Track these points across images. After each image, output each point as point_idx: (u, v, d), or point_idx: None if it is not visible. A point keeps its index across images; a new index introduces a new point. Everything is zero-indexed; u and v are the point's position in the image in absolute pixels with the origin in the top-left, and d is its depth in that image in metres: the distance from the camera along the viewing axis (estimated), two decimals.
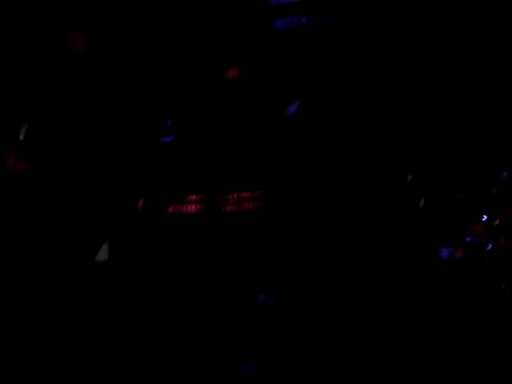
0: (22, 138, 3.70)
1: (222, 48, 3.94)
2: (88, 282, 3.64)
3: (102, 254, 3.67)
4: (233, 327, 3.63)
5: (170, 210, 3.79)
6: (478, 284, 3.72)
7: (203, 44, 3.95)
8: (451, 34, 3.86)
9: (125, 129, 3.86)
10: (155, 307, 3.65)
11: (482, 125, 3.81)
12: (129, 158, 3.88)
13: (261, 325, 3.62)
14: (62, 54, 3.84)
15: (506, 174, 3.74)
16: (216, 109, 3.93)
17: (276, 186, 3.89)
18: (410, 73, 3.89)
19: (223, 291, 3.70)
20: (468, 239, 3.78)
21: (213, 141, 3.91)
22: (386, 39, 3.91)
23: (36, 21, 3.91)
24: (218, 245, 3.79)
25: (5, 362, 3.42)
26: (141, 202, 3.78)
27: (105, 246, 3.69)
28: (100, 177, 3.79)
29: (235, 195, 3.80)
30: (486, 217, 3.76)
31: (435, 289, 3.74)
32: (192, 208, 3.80)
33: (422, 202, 3.88)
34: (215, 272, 3.73)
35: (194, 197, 3.81)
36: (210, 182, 3.88)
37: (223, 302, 3.68)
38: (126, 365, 3.49)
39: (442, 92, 3.86)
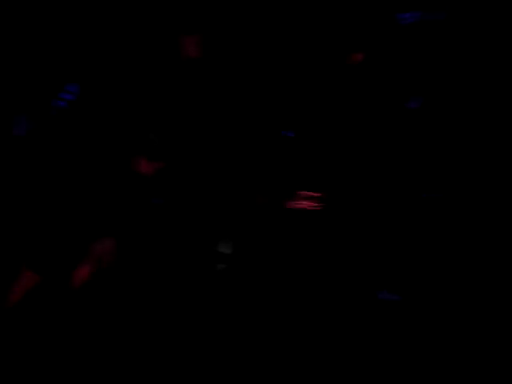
0: (151, 140, 3.76)
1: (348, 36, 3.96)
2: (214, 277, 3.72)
3: (225, 248, 3.75)
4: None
5: (286, 206, 3.83)
6: None
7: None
8: None
9: (247, 125, 3.91)
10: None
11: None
12: (248, 154, 3.94)
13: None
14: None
15: None
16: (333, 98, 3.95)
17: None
18: None
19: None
20: None
21: (327, 137, 3.94)
22: None
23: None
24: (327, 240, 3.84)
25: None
26: (258, 199, 3.83)
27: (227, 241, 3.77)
28: (219, 175, 3.86)
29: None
30: None
31: None
32: (306, 204, 3.84)
33: None
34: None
35: (309, 193, 3.85)
36: (324, 178, 3.91)
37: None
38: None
39: None
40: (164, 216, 3.75)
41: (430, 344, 3.61)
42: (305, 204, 3.79)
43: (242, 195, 3.81)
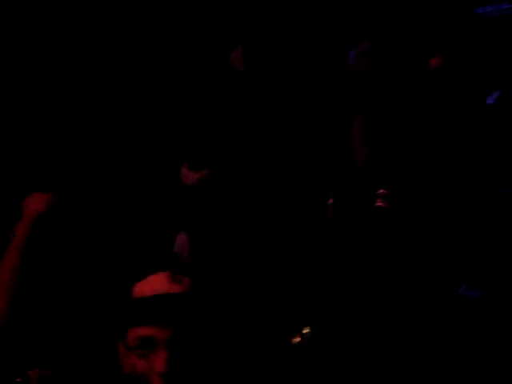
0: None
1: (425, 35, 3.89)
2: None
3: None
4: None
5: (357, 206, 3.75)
6: None
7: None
8: None
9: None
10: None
11: None
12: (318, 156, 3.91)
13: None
14: None
15: None
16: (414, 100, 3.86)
17: None
18: None
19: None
20: None
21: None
22: None
23: None
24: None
25: None
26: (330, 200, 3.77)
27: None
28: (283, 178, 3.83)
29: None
30: None
31: None
32: (380, 203, 3.73)
33: None
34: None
35: (382, 191, 3.75)
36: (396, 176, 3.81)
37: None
38: None
39: None
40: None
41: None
42: (381, 203, 3.67)
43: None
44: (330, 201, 3.86)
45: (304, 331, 3.46)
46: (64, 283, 3.53)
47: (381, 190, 3.72)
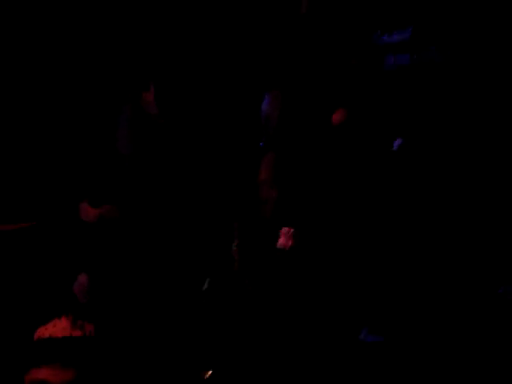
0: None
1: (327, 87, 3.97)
2: None
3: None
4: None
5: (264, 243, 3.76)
6: None
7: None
8: None
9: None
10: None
11: None
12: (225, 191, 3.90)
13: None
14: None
15: None
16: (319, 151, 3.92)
17: None
18: None
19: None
20: None
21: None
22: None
23: None
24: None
25: None
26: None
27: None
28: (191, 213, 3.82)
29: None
30: None
31: None
32: (283, 241, 3.76)
33: None
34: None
35: (286, 230, 3.78)
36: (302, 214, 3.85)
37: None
38: None
39: None
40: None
41: None
42: (285, 240, 3.69)
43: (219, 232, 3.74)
44: (236, 243, 3.87)
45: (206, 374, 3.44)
46: None
47: (285, 229, 3.75)
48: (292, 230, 3.71)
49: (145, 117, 3.79)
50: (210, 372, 3.52)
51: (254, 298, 3.73)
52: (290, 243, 3.70)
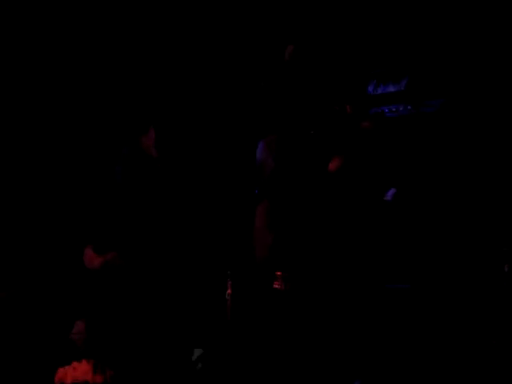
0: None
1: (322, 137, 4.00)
2: None
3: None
4: None
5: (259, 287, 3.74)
6: None
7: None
8: None
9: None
10: None
11: None
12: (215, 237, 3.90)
13: None
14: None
15: None
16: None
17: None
18: None
19: None
20: None
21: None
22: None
23: None
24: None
25: None
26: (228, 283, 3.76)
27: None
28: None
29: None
30: None
31: None
32: (277, 285, 3.75)
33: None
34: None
35: (280, 273, 3.77)
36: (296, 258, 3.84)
37: None
38: None
39: None
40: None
41: None
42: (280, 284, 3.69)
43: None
44: (229, 291, 3.85)
45: None
46: None
47: (278, 272, 3.74)
48: (287, 274, 3.70)
49: (143, 159, 3.80)
50: None
51: (248, 346, 3.71)
52: (284, 287, 3.69)
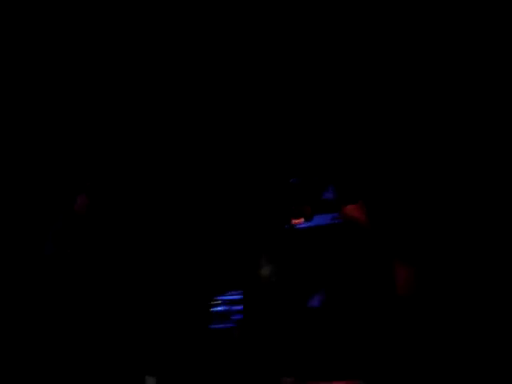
0: None
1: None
2: None
3: None
4: None
5: None
6: None
7: None
8: None
9: None
10: None
11: None
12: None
13: None
14: None
15: None
16: None
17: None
18: None
19: None
20: None
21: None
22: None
23: None
24: None
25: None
26: None
27: None
28: None
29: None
30: None
31: None
32: None
33: None
34: None
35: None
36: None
37: None
38: None
39: None
40: None
41: None
42: None
43: None
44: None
45: None
46: None
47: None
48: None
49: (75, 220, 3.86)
50: None
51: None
52: None
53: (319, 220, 4.07)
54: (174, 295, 4.16)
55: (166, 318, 4.09)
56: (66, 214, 3.97)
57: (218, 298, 4.29)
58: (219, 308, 4.26)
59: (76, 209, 3.98)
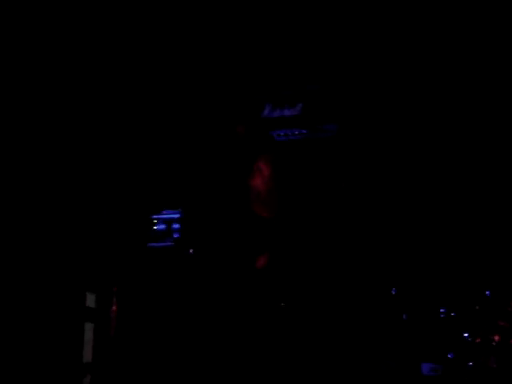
0: None
1: None
2: None
3: None
4: None
5: None
6: None
7: None
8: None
9: None
10: None
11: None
12: None
13: None
14: None
15: (488, 292, 3.93)
16: None
17: None
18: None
19: None
20: (449, 356, 3.86)
21: None
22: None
23: None
24: None
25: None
26: None
27: None
28: None
29: None
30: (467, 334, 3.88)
31: None
32: None
33: (405, 317, 3.95)
34: None
35: None
36: None
37: None
38: None
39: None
40: None
41: None
42: None
43: None
44: None
45: None
46: None
47: None
48: None
49: None
50: None
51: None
52: None
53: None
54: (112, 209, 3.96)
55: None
56: None
57: (157, 216, 4.15)
58: (158, 226, 4.12)
59: None
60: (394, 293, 4.01)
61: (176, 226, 4.10)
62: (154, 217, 4.12)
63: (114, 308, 3.81)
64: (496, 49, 3.99)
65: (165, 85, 4.23)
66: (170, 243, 4.08)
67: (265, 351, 3.67)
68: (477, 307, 3.95)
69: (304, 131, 4.18)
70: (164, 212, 4.13)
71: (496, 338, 3.86)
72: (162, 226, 4.11)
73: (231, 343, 3.70)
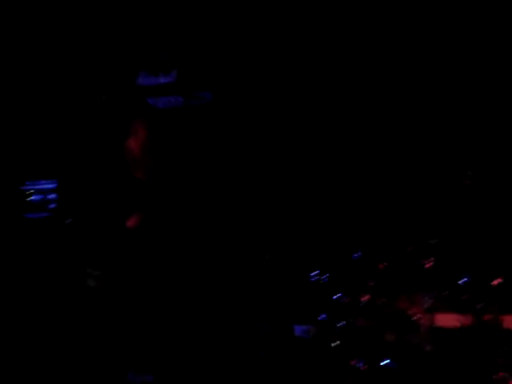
0: None
1: None
2: None
3: None
4: None
5: None
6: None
7: None
8: None
9: None
10: None
11: None
12: None
13: None
14: None
15: (357, 254, 4.05)
16: None
17: None
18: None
19: None
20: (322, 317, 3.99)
21: None
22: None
23: None
24: None
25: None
26: None
27: None
28: None
29: None
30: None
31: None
32: None
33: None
34: None
35: None
36: None
37: None
38: None
39: None
40: None
41: None
42: None
43: None
44: None
45: None
46: None
47: None
48: None
49: None
50: None
51: None
52: None
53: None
54: None
55: None
56: None
57: (32, 187, 4.14)
58: (34, 197, 4.11)
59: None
60: (267, 257, 4.10)
61: (52, 195, 4.10)
62: (29, 188, 4.11)
63: None
64: (494, 49, 3.99)
65: (35, 49, 4.17)
66: (46, 213, 4.09)
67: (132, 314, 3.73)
68: (347, 269, 4.07)
69: (180, 98, 4.19)
70: (39, 183, 4.12)
71: (365, 298, 3.99)
72: (38, 197, 4.10)
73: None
